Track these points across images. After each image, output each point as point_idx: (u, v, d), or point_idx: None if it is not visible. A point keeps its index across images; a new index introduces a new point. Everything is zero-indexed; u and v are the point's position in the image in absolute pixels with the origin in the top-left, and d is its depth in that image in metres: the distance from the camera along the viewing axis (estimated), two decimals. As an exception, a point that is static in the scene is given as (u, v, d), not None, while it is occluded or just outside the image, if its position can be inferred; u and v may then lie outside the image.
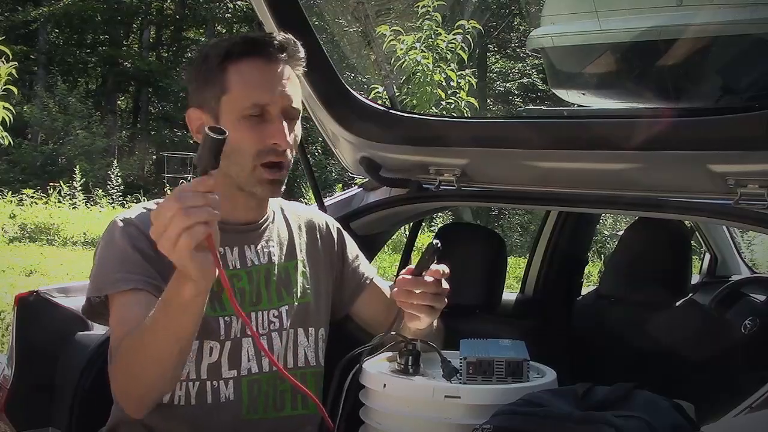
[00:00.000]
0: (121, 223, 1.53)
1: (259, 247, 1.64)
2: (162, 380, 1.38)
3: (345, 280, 1.78)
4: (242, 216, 1.62)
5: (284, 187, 1.59)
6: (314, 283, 1.70)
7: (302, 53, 1.58)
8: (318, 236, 1.76)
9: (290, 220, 1.73)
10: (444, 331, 1.70)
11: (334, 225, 1.82)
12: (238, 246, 1.61)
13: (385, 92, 2.70)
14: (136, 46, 24.97)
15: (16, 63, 5.30)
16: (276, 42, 1.54)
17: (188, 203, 1.16)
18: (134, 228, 1.51)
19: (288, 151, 1.54)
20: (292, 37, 1.57)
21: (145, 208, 1.58)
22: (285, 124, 1.53)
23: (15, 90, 5.25)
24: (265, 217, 1.66)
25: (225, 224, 1.58)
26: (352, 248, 1.83)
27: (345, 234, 1.83)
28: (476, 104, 6.84)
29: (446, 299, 1.57)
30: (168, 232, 1.16)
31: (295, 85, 1.56)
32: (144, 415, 1.45)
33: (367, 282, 1.80)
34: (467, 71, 7.15)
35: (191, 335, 1.33)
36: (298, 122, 1.58)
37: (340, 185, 12.66)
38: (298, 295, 1.66)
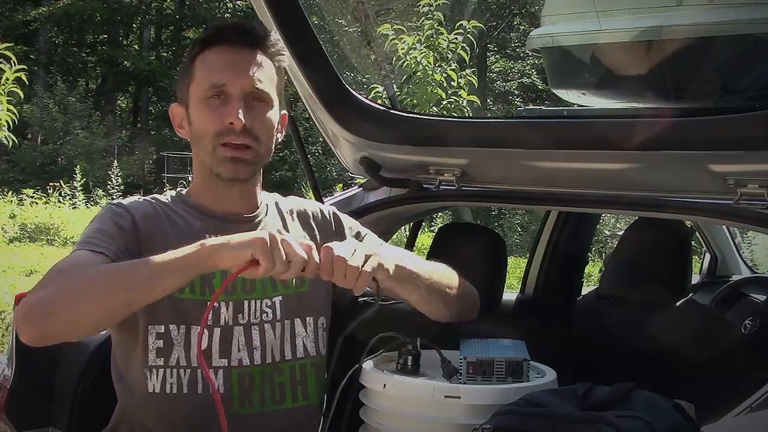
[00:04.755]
0: (110, 204, 1.60)
1: None
2: (90, 319, 1.38)
3: None
4: (228, 206, 1.63)
5: (253, 170, 1.59)
6: None
7: (277, 43, 1.59)
8: (313, 224, 1.75)
9: (284, 212, 1.73)
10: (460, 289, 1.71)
11: (329, 210, 1.80)
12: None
13: (385, 92, 2.70)
14: (136, 46, 24.98)
15: (25, 66, 5.30)
16: (241, 28, 1.57)
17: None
18: (122, 208, 1.57)
19: (252, 133, 1.54)
20: (265, 28, 1.59)
21: (139, 197, 1.65)
22: (243, 104, 1.53)
23: (21, 93, 5.24)
24: (257, 211, 1.67)
25: (211, 215, 1.61)
26: (352, 229, 1.79)
27: (343, 216, 1.80)
28: (477, 101, 6.81)
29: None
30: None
31: (264, 71, 1.56)
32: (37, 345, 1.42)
33: None
34: (467, 71, 7.13)
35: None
36: (272, 108, 1.58)
37: (340, 185, 12.63)
38: (294, 284, 1.65)
